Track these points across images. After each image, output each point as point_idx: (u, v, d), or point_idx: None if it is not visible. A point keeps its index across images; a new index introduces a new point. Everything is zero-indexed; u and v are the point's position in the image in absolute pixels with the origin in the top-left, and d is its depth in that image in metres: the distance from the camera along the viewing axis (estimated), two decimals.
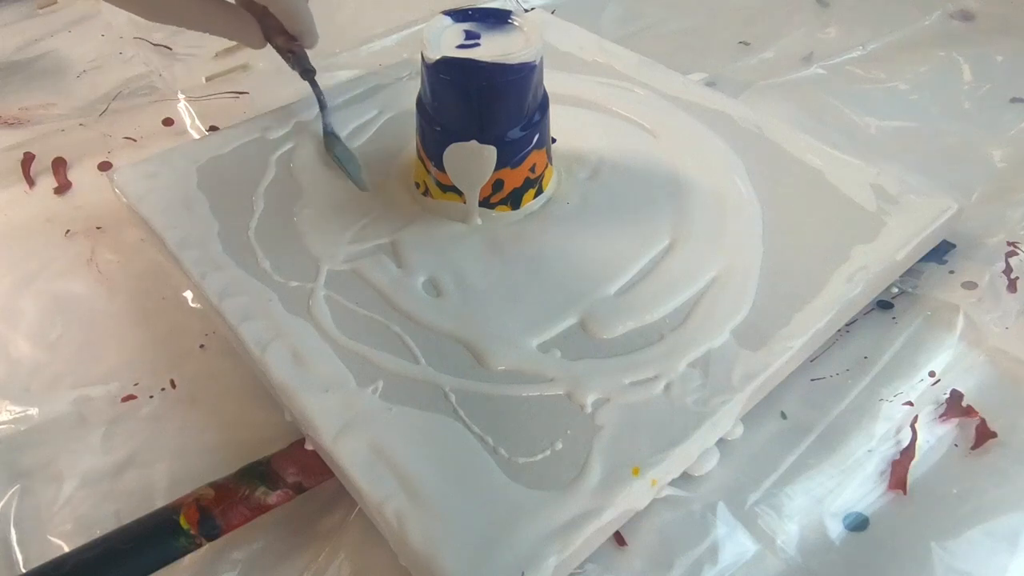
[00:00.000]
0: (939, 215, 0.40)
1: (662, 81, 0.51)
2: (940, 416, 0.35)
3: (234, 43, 0.60)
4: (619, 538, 0.31)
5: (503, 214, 0.41)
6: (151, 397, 0.37)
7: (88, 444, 0.35)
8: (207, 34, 0.41)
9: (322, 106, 0.47)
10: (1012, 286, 0.40)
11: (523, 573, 0.27)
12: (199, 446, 0.35)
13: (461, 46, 0.37)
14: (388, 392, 0.33)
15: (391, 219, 0.41)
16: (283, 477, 0.31)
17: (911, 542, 0.31)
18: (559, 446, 0.31)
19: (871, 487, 0.33)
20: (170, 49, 0.61)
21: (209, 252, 0.39)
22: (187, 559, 0.30)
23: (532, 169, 0.40)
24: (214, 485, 0.31)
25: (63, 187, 0.48)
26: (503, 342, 0.35)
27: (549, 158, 0.42)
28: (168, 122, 0.53)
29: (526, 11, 0.63)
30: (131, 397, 0.37)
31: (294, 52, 0.45)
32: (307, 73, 0.47)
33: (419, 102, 0.40)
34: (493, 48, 0.37)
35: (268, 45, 0.44)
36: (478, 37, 0.38)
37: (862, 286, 0.37)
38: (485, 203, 0.40)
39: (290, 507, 0.32)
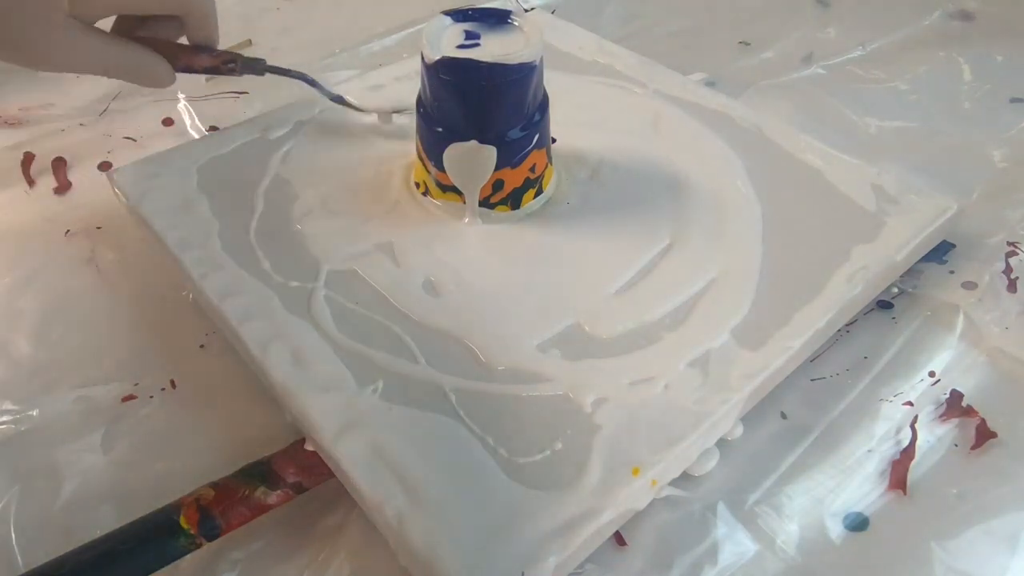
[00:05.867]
0: (939, 215, 0.40)
1: (662, 81, 0.51)
2: (940, 416, 0.35)
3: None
4: (619, 538, 0.31)
5: (503, 214, 0.41)
6: (151, 397, 0.37)
7: (88, 444, 0.35)
8: (113, 77, 0.37)
9: (310, 81, 0.44)
10: (1012, 286, 0.40)
11: (523, 573, 0.27)
12: (199, 446, 0.35)
13: (461, 46, 0.37)
14: (388, 392, 0.33)
15: (391, 219, 0.41)
16: (283, 477, 0.31)
17: (911, 542, 0.31)
18: (559, 446, 0.31)
19: (871, 487, 0.33)
20: None
21: (209, 252, 0.39)
22: (187, 559, 0.30)
23: (532, 169, 0.40)
24: (214, 485, 0.31)
25: (63, 187, 0.48)
26: (503, 342, 0.35)
27: (549, 158, 0.42)
28: (168, 122, 0.53)
29: (526, 11, 0.63)
30: (131, 397, 0.37)
31: (235, 60, 0.42)
32: (261, 67, 0.43)
33: (419, 102, 0.40)
34: (493, 48, 0.37)
35: (175, 81, 0.40)
36: (478, 37, 0.37)
37: (862, 286, 0.37)
38: (485, 203, 0.40)
39: (290, 507, 0.32)
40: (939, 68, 0.57)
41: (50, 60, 0.33)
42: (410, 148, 0.42)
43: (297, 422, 0.33)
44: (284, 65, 0.44)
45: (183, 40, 0.40)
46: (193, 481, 0.31)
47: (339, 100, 0.46)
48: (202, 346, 0.39)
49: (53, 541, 0.31)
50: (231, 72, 0.42)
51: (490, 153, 0.38)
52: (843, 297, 0.36)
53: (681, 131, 0.47)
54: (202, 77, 0.57)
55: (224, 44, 0.60)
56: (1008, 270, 0.41)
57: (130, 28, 0.38)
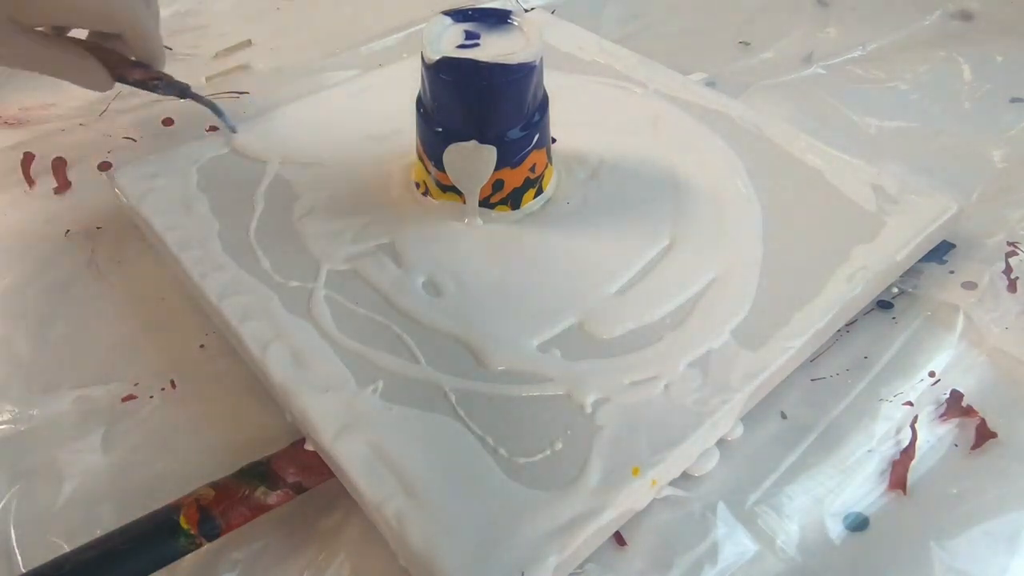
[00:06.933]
0: (939, 215, 0.40)
1: (662, 81, 0.51)
2: (940, 416, 0.35)
3: (235, 45, 0.60)
4: (619, 538, 0.31)
5: (503, 214, 0.41)
6: (151, 397, 0.37)
7: (88, 444, 0.35)
8: (53, 76, 0.41)
9: (218, 112, 0.46)
10: (1012, 286, 0.40)
11: (523, 573, 0.27)
12: (199, 446, 0.35)
13: (461, 46, 0.37)
14: (388, 392, 0.33)
15: (391, 219, 0.41)
16: (283, 477, 0.31)
17: (911, 542, 0.31)
18: (559, 446, 0.31)
19: (871, 487, 0.33)
20: (170, 49, 0.61)
21: (209, 252, 0.39)
22: (187, 559, 0.30)
23: (532, 169, 0.40)
24: (214, 485, 0.31)
25: (63, 187, 0.48)
26: (503, 342, 0.35)
27: (549, 158, 0.42)
28: (168, 122, 0.53)
29: (526, 11, 0.63)
30: (131, 397, 0.37)
31: (160, 79, 0.44)
32: (185, 91, 0.45)
33: (419, 102, 0.40)
34: (493, 48, 0.37)
35: (115, 85, 0.43)
36: (478, 37, 0.38)
37: (862, 286, 0.37)
38: (485, 203, 0.40)
39: (290, 507, 0.32)
40: (939, 68, 0.57)
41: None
42: (410, 148, 0.42)
43: (297, 422, 0.33)
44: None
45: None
46: (193, 481, 0.31)
47: (235, 131, 0.47)
48: (202, 346, 0.39)
49: (53, 541, 0.31)
50: (155, 89, 0.45)
51: (490, 153, 0.38)
52: (843, 297, 0.36)
53: (681, 131, 0.47)
54: (202, 76, 0.57)
55: (224, 44, 0.61)
56: (1008, 270, 0.41)
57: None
